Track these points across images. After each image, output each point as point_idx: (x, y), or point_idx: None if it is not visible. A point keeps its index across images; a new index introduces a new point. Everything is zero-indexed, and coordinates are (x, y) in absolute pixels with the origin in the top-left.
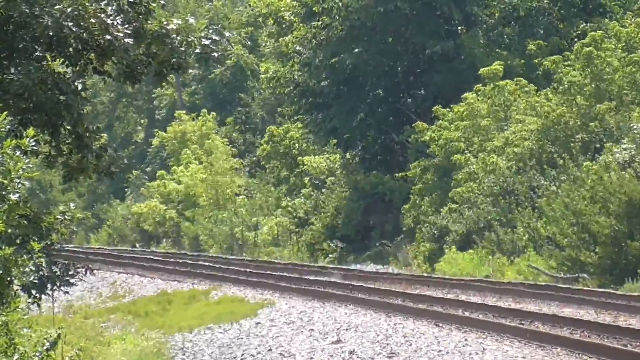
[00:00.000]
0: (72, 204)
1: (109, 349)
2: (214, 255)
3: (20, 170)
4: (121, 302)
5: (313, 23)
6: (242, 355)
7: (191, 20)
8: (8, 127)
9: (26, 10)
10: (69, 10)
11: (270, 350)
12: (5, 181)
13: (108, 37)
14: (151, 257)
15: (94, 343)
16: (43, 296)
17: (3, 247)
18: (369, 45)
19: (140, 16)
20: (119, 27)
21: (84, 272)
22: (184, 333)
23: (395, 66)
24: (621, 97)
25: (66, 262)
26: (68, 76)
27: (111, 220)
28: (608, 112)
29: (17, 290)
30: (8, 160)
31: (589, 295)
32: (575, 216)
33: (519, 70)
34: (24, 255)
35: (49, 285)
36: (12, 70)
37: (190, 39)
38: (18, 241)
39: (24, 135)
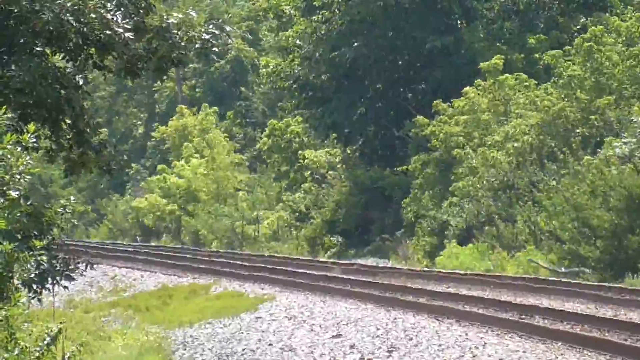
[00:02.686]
0: (72, 198)
1: (109, 344)
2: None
3: (21, 166)
4: (122, 296)
5: (313, 17)
6: (243, 349)
7: (192, 14)
8: (8, 122)
9: (26, 5)
10: (69, 4)
11: (270, 344)
12: (6, 177)
13: (108, 31)
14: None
15: (94, 337)
16: (44, 290)
17: (4, 243)
18: (369, 40)
19: (141, 11)
20: (119, 21)
21: (84, 267)
22: (185, 328)
23: (396, 60)
24: (621, 91)
25: (67, 256)
26: (68, 70)
27: (111, 215)
28: (608, 106)
29: (17, 284)
30: (9, 156)
31: (589, 289)
32: (576, 210)
33: (519, 65)
34: (25, 252)
35: (49, 280)
36: (13, 65)
37: (190, 34)
38: (19, 236)
39: (25, 130)
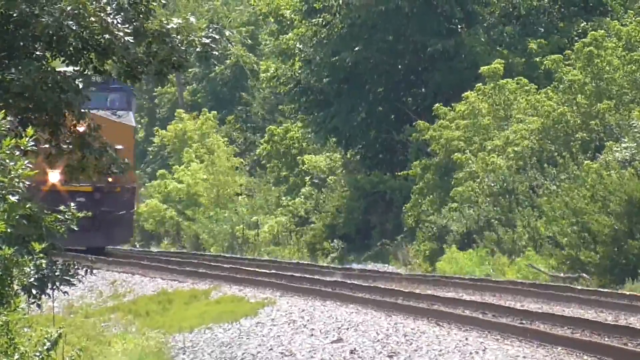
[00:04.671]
0: (72, 204)
1: (109, 349)
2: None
3: (20, 170)
4: (122, 301)
5: (314, 20)
6: (243, 354)
7: (192, 19)
8: (8, 126)
9: (26, 9)
10: (69, 9)
11: (271, 349)
12: (5, 181)
13: (108, 36)
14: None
15: (94, 342)
16: (43, 296)
17: (3, 247)
18: (370, 44)
19: (141, 15)
20: (119, 25)
21: (84, 273)
22: (185, 333)
23: (396, 64)
24: (621, 95)
25: (67, 261)
26: (68, 74)
27: None
28: (608, 111)
29: (17, 289)
30: (7, 160)
31: (589, 294)
32: (576, 215)
33: (520, 69)
34: (25, 256)
35: (49, 285)
36: (13, 69)
37: (190, 38)
38: (19, 241)
39: (24, 134)
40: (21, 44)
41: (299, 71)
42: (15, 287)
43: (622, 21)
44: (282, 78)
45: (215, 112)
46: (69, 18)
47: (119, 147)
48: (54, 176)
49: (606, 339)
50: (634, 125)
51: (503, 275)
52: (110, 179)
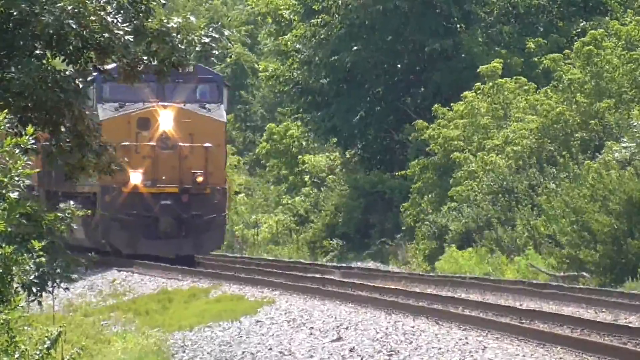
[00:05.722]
0: (71, 202)
1: (109, 347)
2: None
3: (20, 168)
4: (121, 300)
5: (312, 21)
6: (242, 353)
7: (192, 19)
8: (8, 125)
9: (26, 8)
10: (69, 8)
11: (270, 348)
12: (5, 179)
13: (108, 35)
14: None
15: (94, 341)
16: (43, 294)
17: (3, 246)
18: (368, 44)
19: (141, 14)
20: (119, 24)
21: (84, 270)
22: (184, 331)
23: (395, 64)
24: (621, 95)
25: (67, 259)
26: (68, 73)
27: None
28: (608, 110)
29: (16, 288)
30: (7, 159)
31: (589, 293)
32: (575, 214)
33: (519, 69)
34: (24, 254)
35: (49, 283)
36: (13, 68)
37: (190, 38)
38: (18, 239)
39: (24, 133)
40: (21, 42)
41: (297, 72)
42: (15, 285)
43: (621, 20)
44: (281, 78)
45: None
46: (69, 17)
47: (208, 144)
48: (136, 177)
49: (606, 338)
50: (634, 124)
51: (502, 274)
52: (199, 180)
